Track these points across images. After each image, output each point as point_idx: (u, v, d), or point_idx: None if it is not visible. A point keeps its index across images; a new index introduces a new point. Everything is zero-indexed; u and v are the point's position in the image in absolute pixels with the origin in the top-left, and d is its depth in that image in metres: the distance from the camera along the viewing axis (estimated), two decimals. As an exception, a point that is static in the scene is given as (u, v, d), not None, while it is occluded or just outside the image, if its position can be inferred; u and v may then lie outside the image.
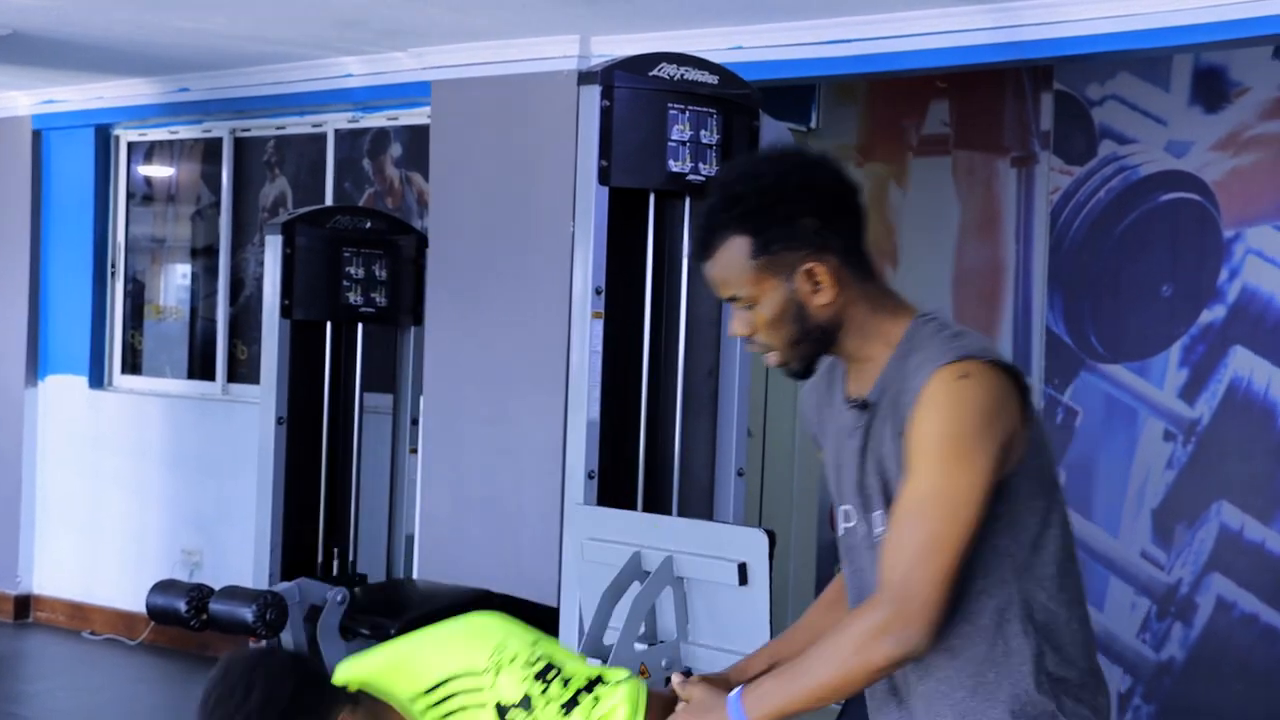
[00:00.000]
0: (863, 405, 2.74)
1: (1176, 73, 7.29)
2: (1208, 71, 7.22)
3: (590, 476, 5.41)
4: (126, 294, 10.00)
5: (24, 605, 10.03)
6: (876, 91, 8.10)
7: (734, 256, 2.69)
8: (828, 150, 8.10)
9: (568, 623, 5.26)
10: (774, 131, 5.70)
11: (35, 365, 10.06)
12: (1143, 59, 7.15)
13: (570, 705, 2.70)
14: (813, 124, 8.18)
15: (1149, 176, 7.39)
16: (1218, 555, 7.15)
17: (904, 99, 8.07)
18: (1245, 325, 7.14)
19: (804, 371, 2.79)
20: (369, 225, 7.06)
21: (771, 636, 3.97)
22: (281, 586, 6.39)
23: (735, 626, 4.31)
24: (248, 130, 9.36)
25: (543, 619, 6.37)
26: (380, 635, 6.37)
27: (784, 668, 2.68)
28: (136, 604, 7.58)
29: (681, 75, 5.46)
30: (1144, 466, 7.38)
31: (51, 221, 10.08)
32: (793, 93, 7.71)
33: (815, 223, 2.68)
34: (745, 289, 2.71)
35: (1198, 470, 7.24)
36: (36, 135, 10.07)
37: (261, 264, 7.01)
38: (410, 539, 7.53)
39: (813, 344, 2.74)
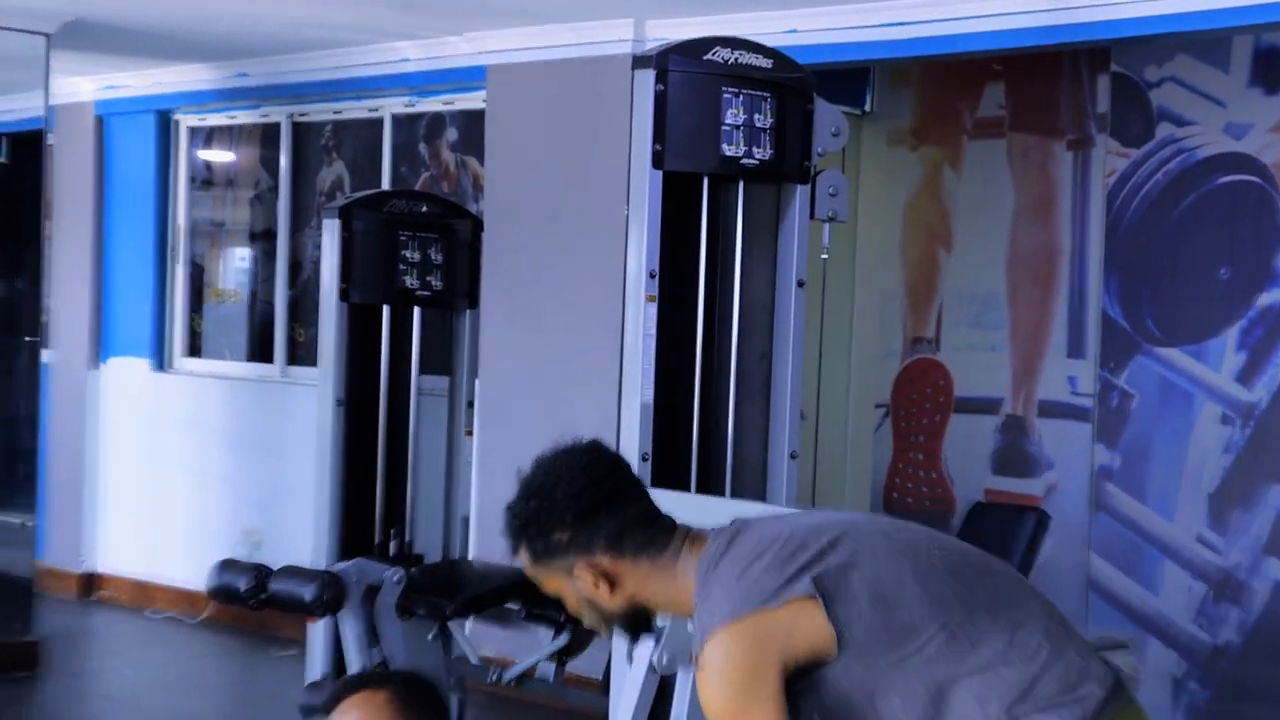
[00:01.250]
0: None
1: (1236, 54, 7.22)
2: (1268, 52, 7.15)
3: (644, 459, 5.38)
4: (187, 277, 10.07)
5: (88, 583, 10.15)
6: (931, 74, 8.09)
7: (524, 561, 2.94)
8: (882, 133, 8.18)
9: (621, 605, 5.22)
10: (828, 114, 5.63)
11: (98, 348, 10.16)
12: (1202, 40, 7.08)
13: None
14: (867, 107, 8.19)
15: (1207, 159, 7.33)
16: (1275, 539, 7.09)
17: (958, 82, 8.05)
18: (1304, 309, 7.08)
19: (636, 636, 3.08)
20: (425, 209, 7.05)
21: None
22: (339, 566, 6.40)
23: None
24: (305, 115, 9.40)
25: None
26: (437, 615, 6.40)
27: None
28: (198, 583, 7.60)
29: (735, 59, 5.40)
30: (1200, 450, 7.32)
31: (114, 206, 10.17)
32: (847, 76, 7.70)
33: (566, 534, 2.86)
34: (546, 585, 2.95)
35: (1255, 454, 7.18)
36: (99, 121, 10.16)
37: (319, 247, 7.02)
38: (466, 520, 7.52)
39: (625, 623, 2.94)
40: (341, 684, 3.18)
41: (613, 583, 2.87)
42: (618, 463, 3.02)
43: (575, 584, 2.90)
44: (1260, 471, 7.14)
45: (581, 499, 2.87)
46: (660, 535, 2.90)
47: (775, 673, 2.65)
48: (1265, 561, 7.11)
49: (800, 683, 2.67)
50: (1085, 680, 2.70)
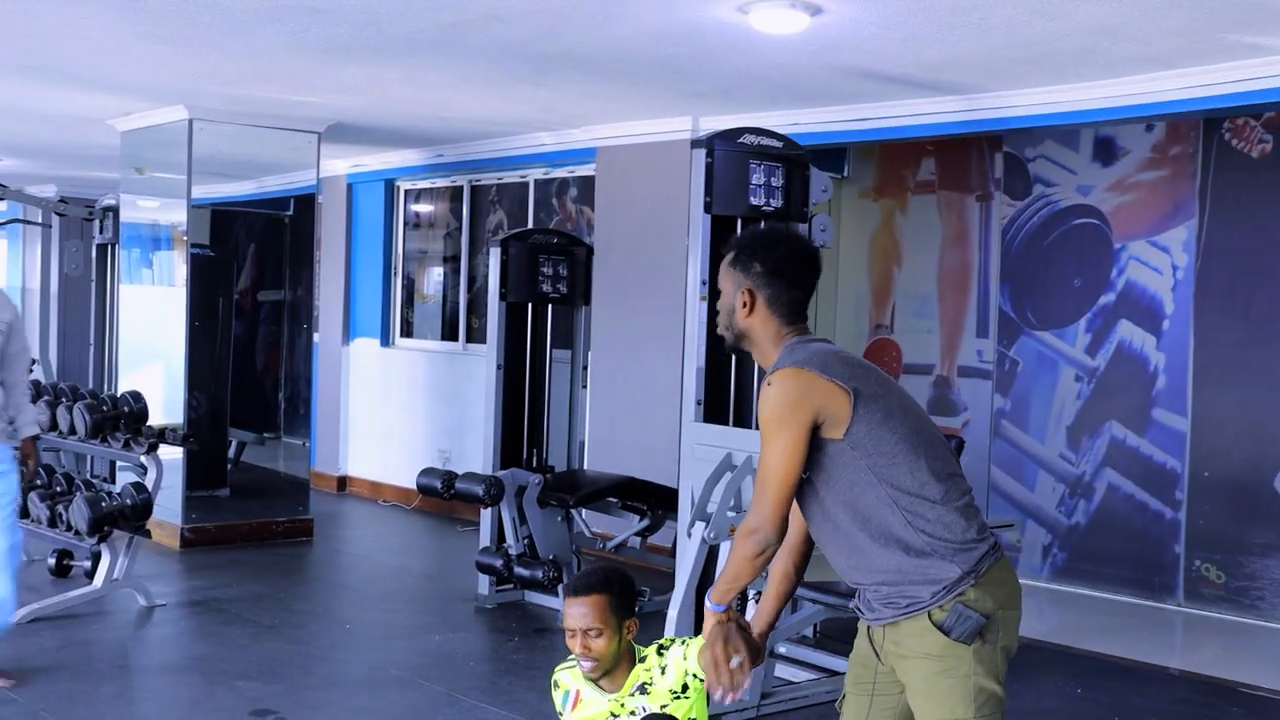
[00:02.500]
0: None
1: (1083, 140, 7.19)
2: (1104, 140, 7.11)
3: (698, 403, 5.42)
4: (402, 287, 10.14)
5: (342, 482, 10.28)
6: (887, 151, 8.04)
7: (727, 260, 2.82)
8: (855, 190, 8.17)
9: (683, 498, 5.29)
10: (819, 178, 5.64)
11: (348, 332, 10.27)
12: (1061, 131, 7.06)
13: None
14: (845, 173, 8.14)
15: (1065, 208, 7.29)
16: (1109, 456, 7.08)
17: (904, 157, 8.00)
18: (1128, 305, 7.04)
19: (730, 349, 2.87)
20: (555, 240, 7.10)
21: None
22: (500, 473, 6.49)
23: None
24: (479, 180, 9.44)
25: (667, 496, 6.44)
26: (563, 505, 6.45)
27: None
28: (410, 482, 7.76)
29: (758, 142, 5.43)
30: (1061, 398, 7.30)
31: (358, 241, 10.27)
32: (831, 152, 7.68)
33: (759, 268, 2.75)
34: (721, 281, 2.82)
35: (1097, 401, 7.16)
36: (349, 187, 10.27)
37: (488, 266, 7.10)
38: (582, 444, 7.57)
39: (733, 335, 2.81)
40: (581, 577, 3.12)
41: (750, 310, 2.76)
42: (813, 264, 2.84)
43: (735, 292, 2.77)
44: (1100, 412, 7.12)
45: (783, 264, 2.77)
46: (792, 315, 2.77)
47: (809, 412, 2.60)
48: (1103, 471, 7.10)
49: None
50: (982, 532, 2.66)
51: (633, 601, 3.11)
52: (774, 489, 2.59)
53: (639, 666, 3.07)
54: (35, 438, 5.34)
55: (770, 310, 2.75)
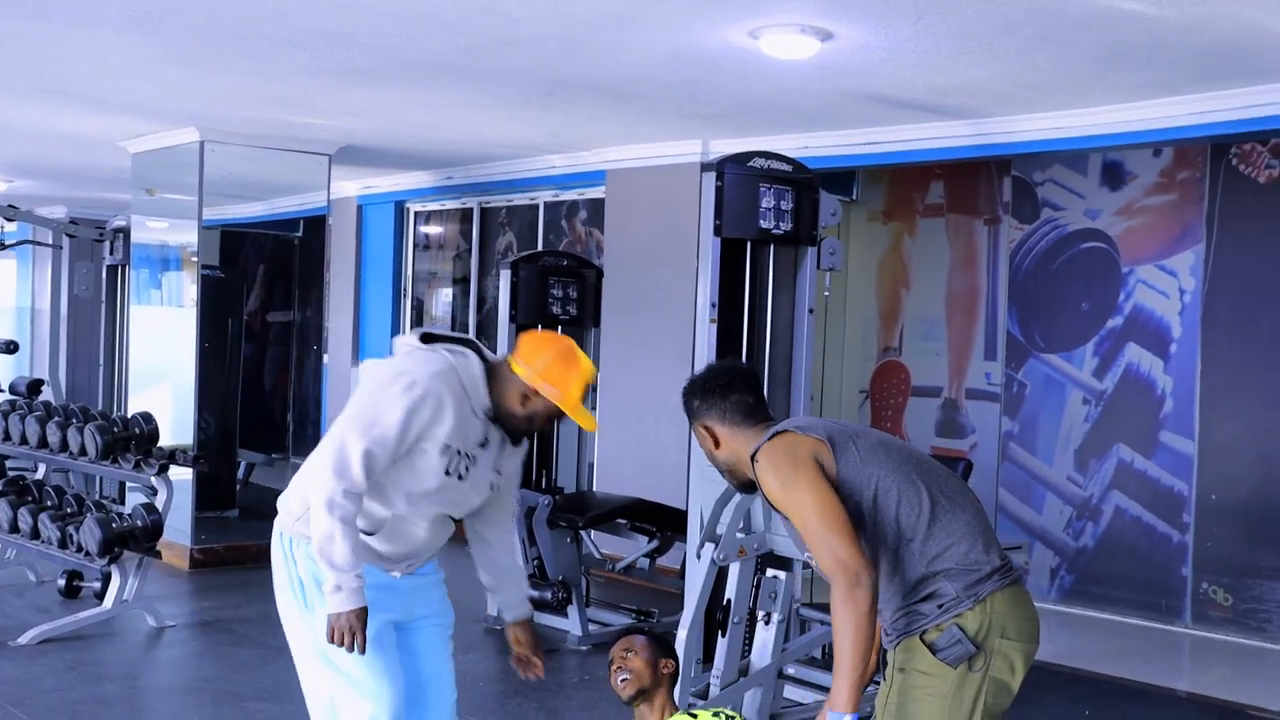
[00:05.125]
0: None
1: (1091, 165, 7.21)
2: (1111, 164, 7.14)
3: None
4: (412, 307, 10.19)
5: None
6: (896, 175, 8.06)
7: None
8: (863, 213, 8.20)
9: (692, 519, 5.30)
10: (828, 201, 5.66)
11: (357, 352, 10.30)
12: (1069, 156, 7.09)
13: None
14: (854, 197, 8.17)
15: (1073, 232, 7.32)
16: (1116, 479, 7.09)
17: (913, 180, 8.02)
18: (1136, 329, 7.06)
19: (744, 489, 2.89)
20: (565, 262, 7.13)
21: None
22: (510, 493, 6.49)
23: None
24: (488, 202, 9.49)
25: (676, 518, 6.45)
26: (573, 526, 6.43)
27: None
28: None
29: (768, 166, 5.44)
30: (1069, 420, 7.31)
31: (367, 262, 10.32)
32: (840, 176, 7.70)
33: (699, 403, 2.86)
34: (696, 436, 2.90)
35: (1104, 424, 7.17)
36: (359, 209, 10.33)
37: (498, 288, 7.13)
38: (591, 465, 7.60)
39: (733, 479, 2.88)
40: (619, 633, 3.44)
41: (716, 440, 2.84)
42: (740, 371, 2.95)
43: (703, 439, 2.86)
44: (1108, 435, 7.14)
45: (708, 385, 2.88)
46: (749, 417, 2.83)
47: (808, 457, 2.63)
48: (1110, 493, 7.11)
49: None
50: (988, 553, 2.63)
51: (667, 648, 3.35)
52: (832, 530, 2.53)
53: (686, 716, 3.25)
54: None
55: (730, 427, 2.82)
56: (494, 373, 3.04)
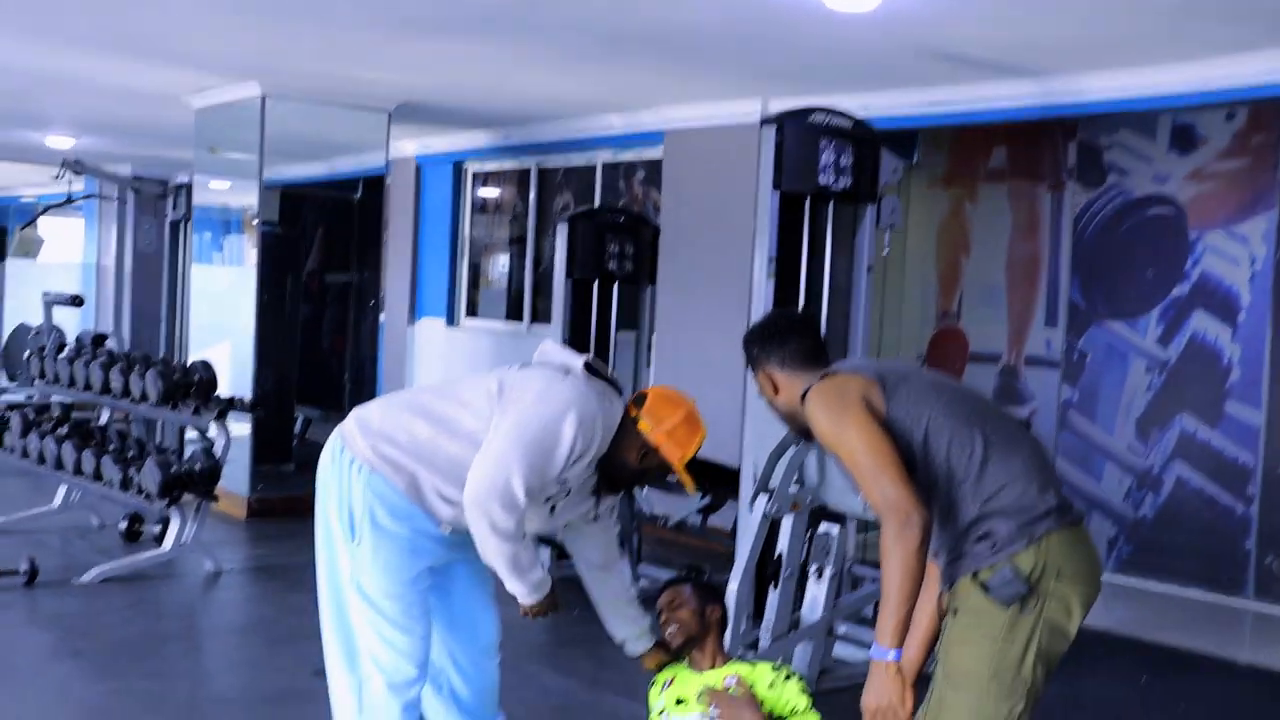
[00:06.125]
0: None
1: (1160, 127, 7.08)
2: (1182, 127, 7.00)
3: (762, 379, 5.42)
4: (469, 267, 10.22)
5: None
6: (958, 138, 7.99)
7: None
8: (924, 178, 8.11)
9: (745, 475, 5.29)
10: (889, 159, 5.61)
11: (414, 311, 10.39)
12: (1137, 118, 6.97)
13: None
14: (914, 160, 8.06)
15: (1140, 197, 7.19)
16: (1179, 448, 6.98)
17: (975, 145, 7.94)
18: (1202, 296, 6.93)
19: (804, 435, 2.85)
20: (622, 220, 7.13)
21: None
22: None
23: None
24: (546, 163, 9.49)
25: (730, 475, 6.42)
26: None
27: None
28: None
29: (828, 121, 5.37)
30: (1131, 389, 7.20)
31: (425, 223, 10.39)
32: (902, 137, 7.57)
33: (758, 351, 2.90)
34: (758, 384, 2.93)
35: (1167, 393, 7.05)
36: (417, 169, 10.38)
37: (553, 248, 7.12)
38: (646, 423, 7.59)
39: (794, 426, 2.88)
40: (666, 583, 3.35)
41: (776, 387, 2.87)
42: (800, 319, 3.05)
43: (759, 384, 2.90)
44: (1170, 404, 7.02)
45: (767, 332, 2.92)
46: (808, 362, 2.84)
47: (858, 397, 2.60)
48: (1172, 463, 6.99)
49: None
50: (1044, 493, 2.59)
51: (714, 593, 3.31)
52: (882, 470, 2.51)
53: (743, 664, 3.24)
54: None
55: (789, 372, 2.84)
56: (619, 423, 3.15)
